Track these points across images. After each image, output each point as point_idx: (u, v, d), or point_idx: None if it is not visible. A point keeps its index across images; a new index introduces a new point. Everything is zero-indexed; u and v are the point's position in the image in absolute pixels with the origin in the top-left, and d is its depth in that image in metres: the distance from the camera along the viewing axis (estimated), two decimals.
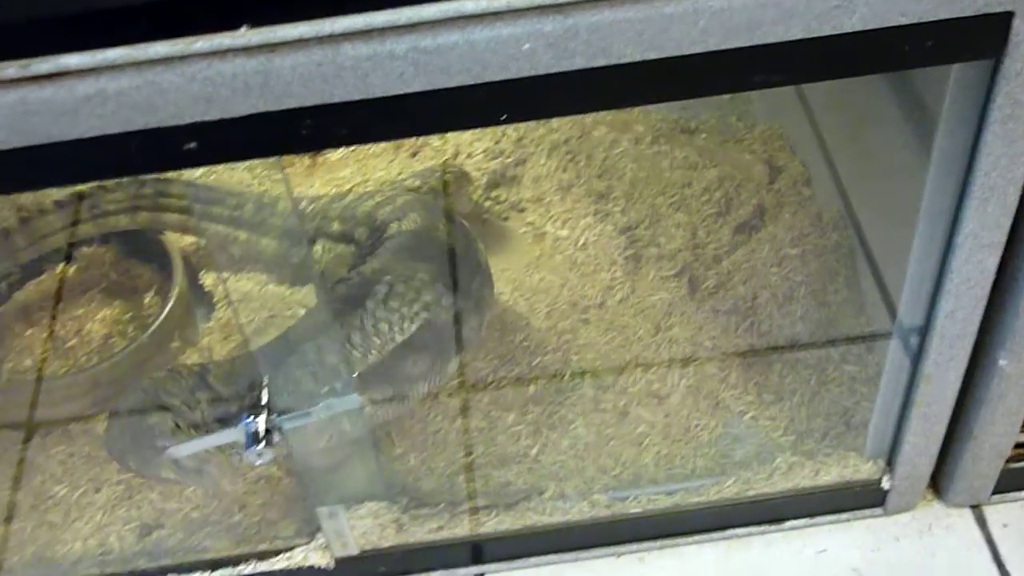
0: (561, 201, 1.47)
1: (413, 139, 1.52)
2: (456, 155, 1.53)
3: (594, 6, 0.70)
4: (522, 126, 1.54)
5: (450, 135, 1.54)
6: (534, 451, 1.23)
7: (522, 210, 1.48)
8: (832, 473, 1.18)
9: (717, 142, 1.54)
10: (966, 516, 1.22)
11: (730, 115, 1.58)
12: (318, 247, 1.30)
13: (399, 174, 1.48)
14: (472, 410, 1.26)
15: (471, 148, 1.53)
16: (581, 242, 1.41)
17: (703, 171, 1.48)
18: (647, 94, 0.79)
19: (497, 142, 1.53)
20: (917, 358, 1.05)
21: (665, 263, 1.38)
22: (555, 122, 1.55)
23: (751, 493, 1.19)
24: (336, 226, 1.31)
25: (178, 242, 1.40)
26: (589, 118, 1.56)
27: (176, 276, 1.34)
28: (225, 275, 1.39)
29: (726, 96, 1.58)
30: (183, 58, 0.69)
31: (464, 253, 1.24)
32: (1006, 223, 0.90)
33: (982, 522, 1.21)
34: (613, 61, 0.72)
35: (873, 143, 1.21)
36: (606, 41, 0.71)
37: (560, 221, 1.44)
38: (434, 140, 1.53)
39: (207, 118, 0.71)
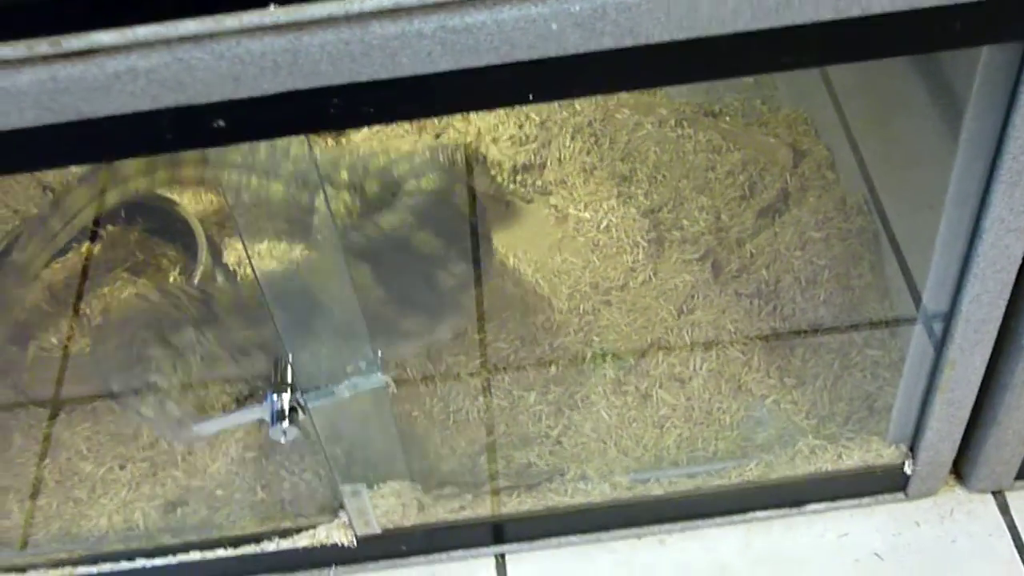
0: (584, 184, 1.47)
1: (437, 121, 1.52)
2: (479, 136, 1.53)
3: None
4: (545, 109, 1.54)
5: (475, 117, 1.54)
6: (555, 432, 1.23)
7: (547, 193, 1.48)
8: (854, 457, 1.18)
9: (741, 125, 1.53)
10: (988, 502, 1.21)
11: (754, 98, 1.57)
12: (321, 194, 1.29)
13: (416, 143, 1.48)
14: (494, 391, 1.27)
15: (495, 131, 1.53)
16: (604, 224, 1.41)
17: (727, 154, 1.48)
18: (675, 75, 0.79)
19: (521, 126, 1.53)
20: (942, 343, 1.05)
21: (688, 246, 1.38)
22: (578, 105, 1.55)
23: (773, 476, 1.19)
24: (344, 175, 1.30)
25: (202, 221, 1.41)
26: (612, 101, 1.56)
27: (201, 255, 1.35)
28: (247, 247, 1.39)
29: (750, 79, 1.57)
30: (212, 36, 0.69)
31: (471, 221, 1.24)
32: None
33: (1004, 508, 1.21)
34: (641, 42, 0.72)
35: (899, 127, 1.20)
36: (634, 21, 0.71)
37: (583, 203, 1.44)
38: (458, 122, 1.53)
39: (236, 96, 0.71)
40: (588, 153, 1.51)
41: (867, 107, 1.34)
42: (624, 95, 1.56)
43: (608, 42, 0.72)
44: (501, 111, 1.55)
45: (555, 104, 1.55)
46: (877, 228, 1.31)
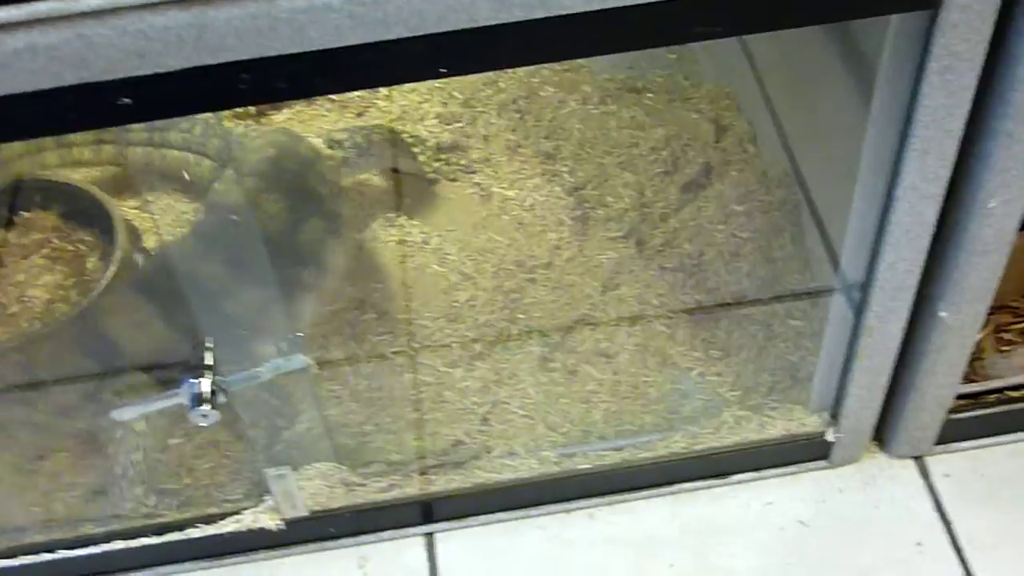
0: (509, 162, 1.47)
1: (359, 99, 1.51)
2: (403, 116, 1.52)
3: None
4: (470, 87, 1.53)
5: (399, 96, 1.53)
6: (482, 410, 1.23)
7: (471, 172, 1.47)
8: (778, 427, 1.20)
9: (664, 101, 1.54)
10: (909, 467, 1.24)
11: (677, 74, 1.58)
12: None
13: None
14: (419, 369, 1.26)
15: (420, 110, 1.52)
16: (528, 203, 1.41)
17: (650, 130, 1.49)
18: (588, 46, 0.78)
19: (445, 104, 1.52)
20: (859, 312, 1.06)
21: (612, 223, 1.39)
22: (503, 83, 1.55)
23: (699, 448, 1.20)
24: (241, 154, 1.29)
25: (119, 206, 1.38)
26: (536, 78, 1.55)
27: (118, 240, 1.32)
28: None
29: (673, 55, 1.58)
30: (114, 11, 0.67)
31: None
32: (945, 175, 0.91)
33: (925, 473, 1.23)
34: (553, 12, 0.72)
35: (817, 99, 1.21)
36: None
37: (508, 182, 1.44)
38: (380, 101, 1.52)
39: (141, 72, 0.70)
40: (513, 131, 1.51)
41: (787, 80, 1.35)
42: (548, 72, 1.56)
43: (519, 13, 0.71)
44: (425, 89, 1.54)
45: (479, 82, 1.54)
46: (798, 199, 1.33)
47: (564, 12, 0.71)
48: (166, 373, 1.09)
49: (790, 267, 1.30)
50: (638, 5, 0.72)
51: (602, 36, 0.75)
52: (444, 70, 0.76)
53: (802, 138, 1.32)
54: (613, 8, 0.72)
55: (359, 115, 1.53)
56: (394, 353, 1.26)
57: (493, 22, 0.71)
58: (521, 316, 1.30)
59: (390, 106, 1.52)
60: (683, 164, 1.44)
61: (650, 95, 1.55)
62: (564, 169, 1.45)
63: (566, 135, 1.49)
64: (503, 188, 1.43)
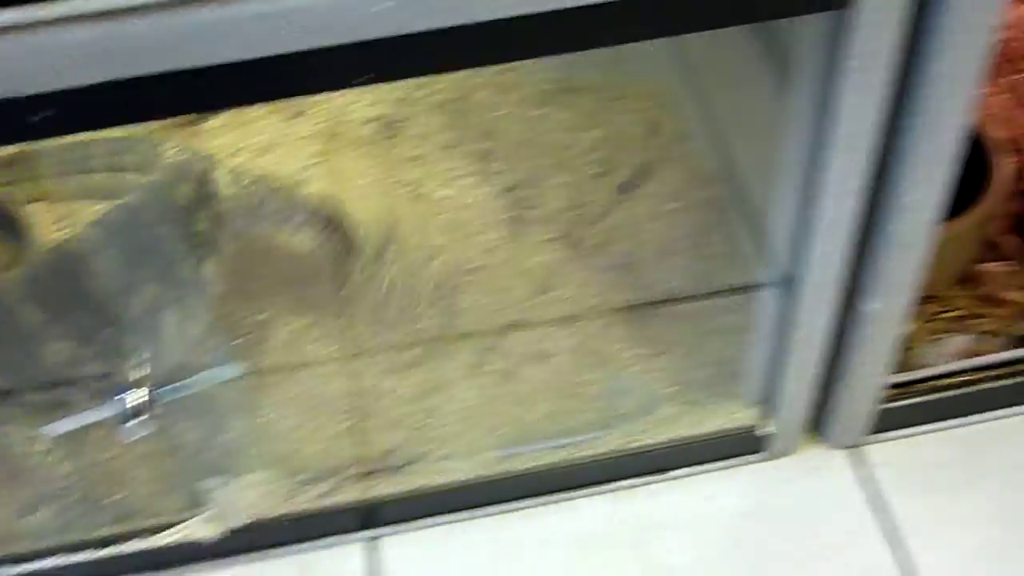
0: (443, 161, 1.46)
1: (291, 103, 1.50)
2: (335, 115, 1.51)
3: None
4: (403, 86, 1.53)
5: (331, 94, 1.52)
6: (420, 414, 1.23)
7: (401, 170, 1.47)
8: (715, 421, 1.21)
9: (599, 101, 1.55)
10: (846, 457, 1.26)
11: (612, 73, 1.58)
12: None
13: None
14: (355, 374, 1.26)
15: (352, 110, 1.51)
16: (463, 203, 1.41)
17: (585, 131, 1.49)
18: (509, 52, 0.79)
19: (372, 105, 1.51)
20: (789, 306, 1.08)
21: (548, 224, 1.39)
22: (438, 83, 1.55)
23: (637, 444, 1.21)
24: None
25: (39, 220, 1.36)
26: (471, 80, 1.55)
27: (28, 240, 1.29)
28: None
29: (608, 55, 1.58)
30: (21, 27, 0.67)
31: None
32: (864, 170, 0.92)
33: (861, 462, 1.25)
34: (472, 20, 0.72)
35: (745, 96, 1.23)
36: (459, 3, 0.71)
37: (441, 181, 1.44)
38: (309, 104, 1.51)
39: (53, 88, 0.69)
40: (447, 131, 1.50)
41: (718, 76, 1.36)
42: (484, 73, 1.56)
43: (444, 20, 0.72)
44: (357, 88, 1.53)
45: (413, 83, 1.54)
46: (730, 196, 1.34)
47: (483, 19, 0.71)
48: (99, 385, 1.08)
49: (723, 263, 1.31)
50: (543, 13, 0.72)
51: (523, 42, 0.75)
52: (366, 78, 0.76)
53: (733, 135, 1.34)
54: (527, 15, 0.73)
55: (295, 117, 1.52)
56: (329, 359, 1.26)
57: (406, 31, 0.71)
58: (456, 320, 1.30)
59: (318, 109, 1.51)
60: (617, 164, 1.45)
61: (585, 96, 1.56)
62: (499, 170, 1.45)
63: (501, 136, 1.50)
64: (436, 188, 1.43)
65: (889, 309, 1.07)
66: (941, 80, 0.85)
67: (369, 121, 1.52)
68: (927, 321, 1.31)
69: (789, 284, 1.07)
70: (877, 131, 0.89)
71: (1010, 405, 1.27)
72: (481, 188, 1.43)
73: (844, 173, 0.92)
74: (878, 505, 1.21)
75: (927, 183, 0.94)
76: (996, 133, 1.35)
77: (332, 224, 1.31)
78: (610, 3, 0.72)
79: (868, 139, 0.89)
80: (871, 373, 1.15)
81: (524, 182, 1.44)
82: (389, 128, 1.52)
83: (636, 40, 0.75)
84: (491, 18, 0.72)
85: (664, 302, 1.31)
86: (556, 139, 1.49)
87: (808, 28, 0.86)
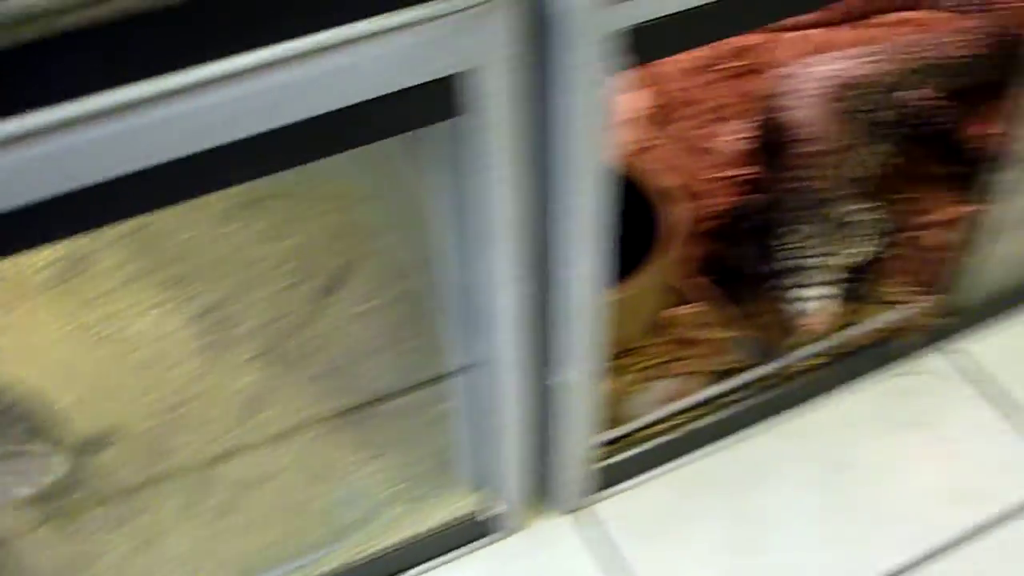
0: (134, 293, 1.42)
1: None
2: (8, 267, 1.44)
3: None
4: None
5: None
6: (137, 567, 1.18)
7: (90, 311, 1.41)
8: (439, 515, 1.21)
9: (288, 208, 1.54)
10: (574, 521, 1.28)
11: (299, 179, 1.58)
12: None
13: None
14: (65, 538, 1.19)
15: (28, 256, 1.45)
16: (159, 335, 1.37)
17: (277, 242, 1.48)
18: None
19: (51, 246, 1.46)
20: (486, 389, 1.10)
21: (249, 342, 1.37)
22: None
23: (370, 551, 1.20)
24: None
25: None
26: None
27: None
28: None
29: None
30: None
31: None
32: (522, 256, 0.95)
33: (592, 522, 1.28)
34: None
35: (413, 194, 1.25)
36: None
37: (134, 315, 1.39)
38: None
39: None
40: (136, 261, 1.46)
41: (394, 176, 1.39)
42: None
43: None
44: None
45: None
46: (423, 288, 1.36)
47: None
48: None
49: (423, 355, 1.33)
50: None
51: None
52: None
53: (417, 228, 1.36)
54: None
55: None
56: (26, 530, 1.19)
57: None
58: (165, 462, 1.25)
59: None
60: (314, 270, 1.45)
61: (273, 204, 1.55)
62: (192, 294, 1.42)
63: (191, 258, 1.47)
64: (125, 325, 1.38)
65: (581, 375, 1.11)
66: (571, 167, 0.89)
67: (50, 264, 1.46)
68: (630, 373, 1.36)
69: (483, 368, 1.09)
70: (526, 220, 0.92)
71: (714, 440, 1.34)
72: (176, 316, 1.40)
73: (501, 262, 0.95)
74: (614, 559, 1.25)
75: (584, 256, 0.98)
76: (669, 182, 1.40)
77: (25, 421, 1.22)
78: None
79: (516, 228, 0.92)
80: (579, 437, 1.19)
81: (220, 303, 1.41)
82: (75, 267, 1.46)
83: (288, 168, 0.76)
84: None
85: (373, 402, 1.31)
86: (248, 254, 1.47)
87: (440, 132, 0.88)
